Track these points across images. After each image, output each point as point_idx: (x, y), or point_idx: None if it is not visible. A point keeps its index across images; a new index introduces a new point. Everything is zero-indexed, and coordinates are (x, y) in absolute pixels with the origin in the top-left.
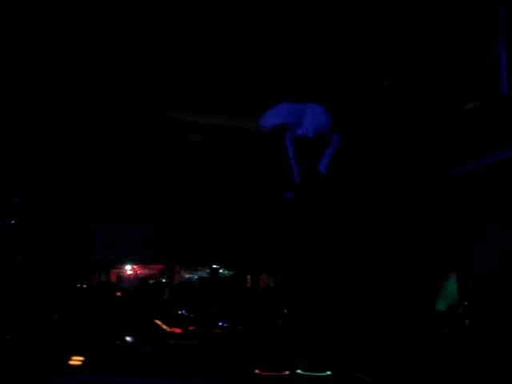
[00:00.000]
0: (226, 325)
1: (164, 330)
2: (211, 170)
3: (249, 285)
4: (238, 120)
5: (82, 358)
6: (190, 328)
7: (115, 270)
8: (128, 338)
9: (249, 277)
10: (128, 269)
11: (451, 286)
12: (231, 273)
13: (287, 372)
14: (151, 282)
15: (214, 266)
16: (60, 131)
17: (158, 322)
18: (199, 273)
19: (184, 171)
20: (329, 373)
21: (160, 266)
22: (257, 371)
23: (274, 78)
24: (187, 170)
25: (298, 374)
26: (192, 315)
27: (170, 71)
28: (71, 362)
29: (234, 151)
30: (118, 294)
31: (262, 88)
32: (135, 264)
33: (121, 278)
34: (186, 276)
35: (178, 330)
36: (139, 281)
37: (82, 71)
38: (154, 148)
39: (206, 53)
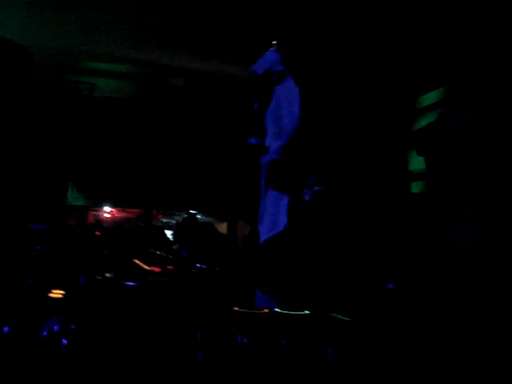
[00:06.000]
0: (203, 266)
1: (143, 268)
2: (190, 114)
3: (225, 231)
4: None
5: (62, 292)
6: (169, 267)
7: (92, 213)
8: (107, 274)
9: (226, 223)
10: (106, 211)
11: None
12: (209, 219)
13: (266, 310)
14: (128, 225)
15: (192, 212)
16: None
17: (137, 261)
18: (177, 218)
19: (162, 115)
20: (307, 312)
21: (138, 210)
22: (236, 308)
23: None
24: (165, 114)
25: (276, 312)
26: (170, 256)
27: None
28: (51, 295)
29: (214, 97)
30: (98, 233)
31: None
32: (112, 207)
33: (98, 220)
34: (164, 221)
35: (156, 269)
36: (117, 223)
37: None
38: (134, 92)
39: None
